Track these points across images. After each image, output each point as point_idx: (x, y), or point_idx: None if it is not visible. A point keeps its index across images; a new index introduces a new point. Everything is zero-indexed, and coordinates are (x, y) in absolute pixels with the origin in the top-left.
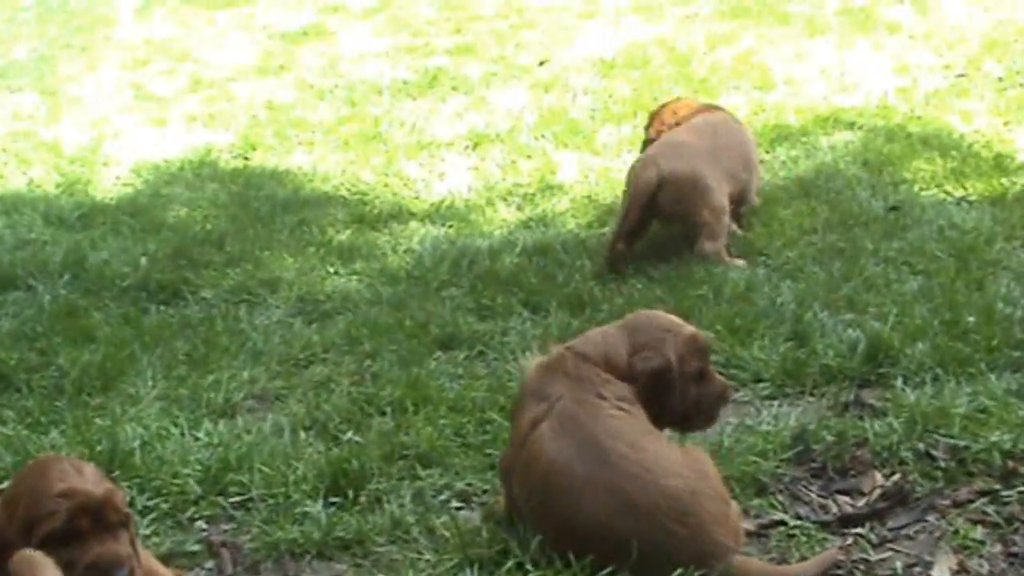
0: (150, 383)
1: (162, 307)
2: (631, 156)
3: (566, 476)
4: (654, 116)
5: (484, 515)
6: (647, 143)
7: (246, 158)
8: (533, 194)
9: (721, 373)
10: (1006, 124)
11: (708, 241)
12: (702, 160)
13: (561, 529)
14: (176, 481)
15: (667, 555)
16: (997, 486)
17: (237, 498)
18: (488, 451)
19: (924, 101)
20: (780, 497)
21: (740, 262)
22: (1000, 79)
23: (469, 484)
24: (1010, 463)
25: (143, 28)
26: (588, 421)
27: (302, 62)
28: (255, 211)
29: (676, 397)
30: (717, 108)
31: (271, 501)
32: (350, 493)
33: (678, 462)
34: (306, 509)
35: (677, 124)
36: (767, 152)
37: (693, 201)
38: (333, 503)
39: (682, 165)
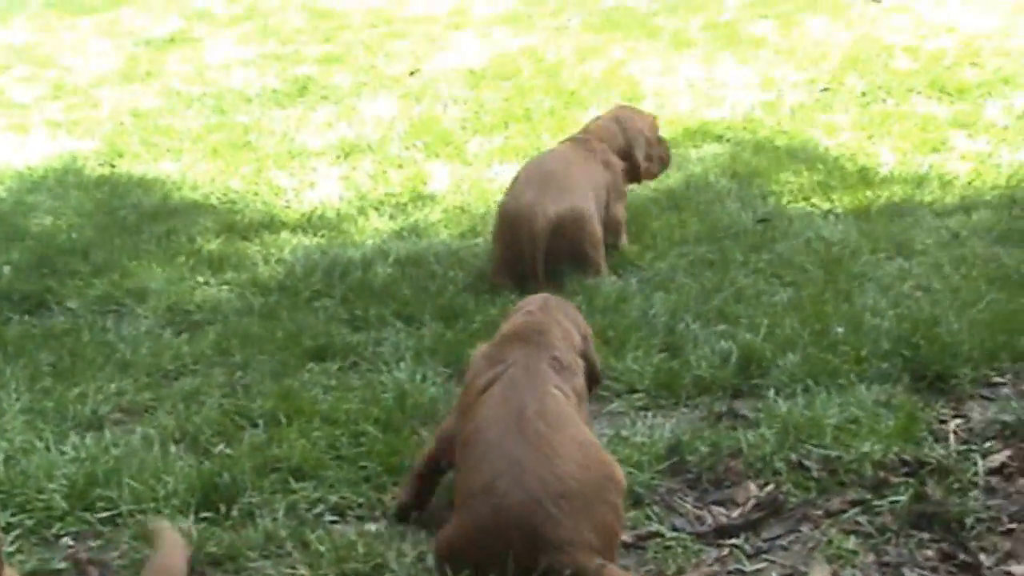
0: (13, 396)
1: (26, 317)
2: (502, 167)
3: (484, 443)
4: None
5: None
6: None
7: (112, 166)
8: (405, 204)
9: None
10: (870, 138)
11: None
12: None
13: (467, 491)
14: (41, 496)
15: (537, 543)
16: (869, 496)
17: (105, 513)
18: (362, 464)
19: (790, 115)
20: (656, 508)
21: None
22: (863, 94)
23: (343, 497)
24: (881, 473)
25: (3, 33)
26: (527, 392)
27: (168, 69)
28: (122, 220)
29: None
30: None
31: (140, 516)
32: (222, 507)
33: (589, 457)
34: (177, 524)
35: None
36: None
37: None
38: (204, 518)
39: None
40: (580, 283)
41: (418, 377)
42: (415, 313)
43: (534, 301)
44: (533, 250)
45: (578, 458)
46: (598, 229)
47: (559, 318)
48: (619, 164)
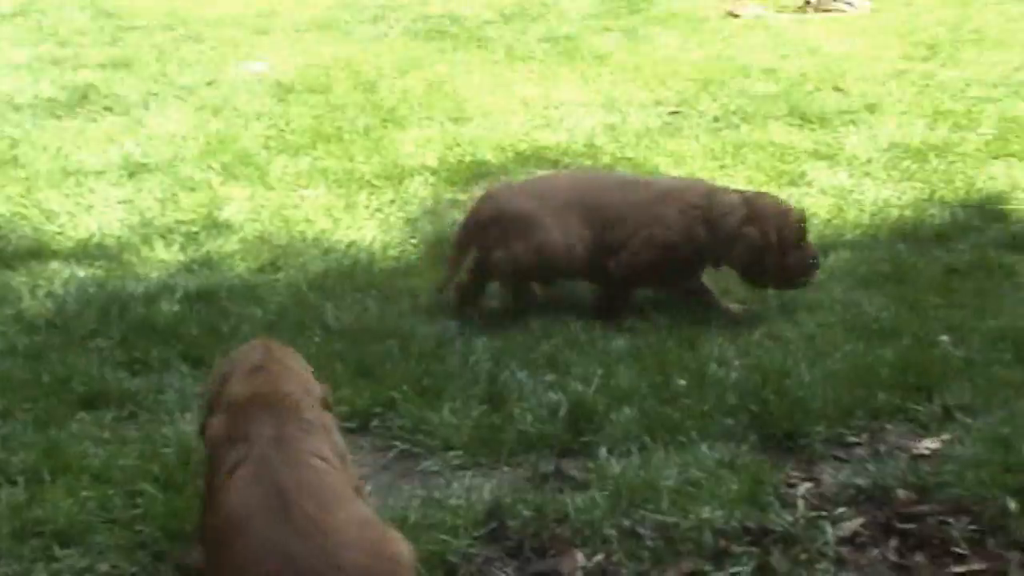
0: None
1: None
2: (308, 192)
3: (242, 532)
4: None
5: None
6: None
7: None
8: (197, 232)
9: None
10: (722, 167)
11: None
12: None
13: None
14: None
15: None
16: (708, 567)
17: None
18: (138, 527)
19: (634, 140)
20: None
21: None
22: (715, 119)
23: (115, 566)
24: (721, 541)
25: None
26: (283, 468)
27: None
28: None
29: None
30: None
31: None
32: None
33: (370, 538)
34: None
35: None
36: (463, 192)
37: None
38: None
39: None
40: (396, 323)
41: None
42: (204, 356)
43: (255, 351)
44: (462, 235)
45: (358, 542)
46: (537, 248)
47: (291, 365)
48: (687, 229)
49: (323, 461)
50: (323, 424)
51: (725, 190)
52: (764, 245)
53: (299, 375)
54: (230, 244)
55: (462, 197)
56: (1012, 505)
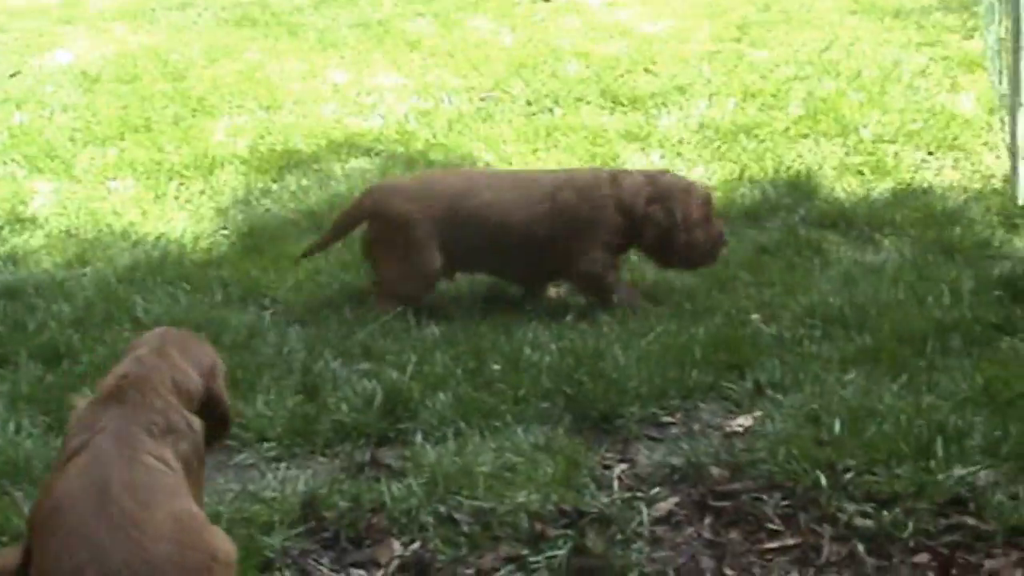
0: None
1: None
2: (117, 184)
3: (64, 527)
4: None
5: None
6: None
7: None
8: (1, 228)
9: None
10: (535, 151)
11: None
12: None
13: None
14: None
15: None
16: (525, 551)
17: None
18: None
19: (447, 125)
20: (288, 574)
21: None
22: (529, 103)
23: None
24: (538, 525)
25: None
26: (114, 463)
27: None
28: None
29: None
30: None
31: None
32: None
33: (188, 534)
34: None
35: None
36: (274, 181)
37: None
38: None
39: None
40: (207, 315)
41: (11, 428)
42: (9, 354)
43: (150, 339)
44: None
45: (174, 537)
46: (421, 251)
47: (174, 362)
48: (610, 219)
49: (161, 463)
50: (176, 426)
51: (627, 172)
52: (670, 224)
53: (178, 371)
54: (36, 239)
55: (273, 186)
56: (823, 480)
